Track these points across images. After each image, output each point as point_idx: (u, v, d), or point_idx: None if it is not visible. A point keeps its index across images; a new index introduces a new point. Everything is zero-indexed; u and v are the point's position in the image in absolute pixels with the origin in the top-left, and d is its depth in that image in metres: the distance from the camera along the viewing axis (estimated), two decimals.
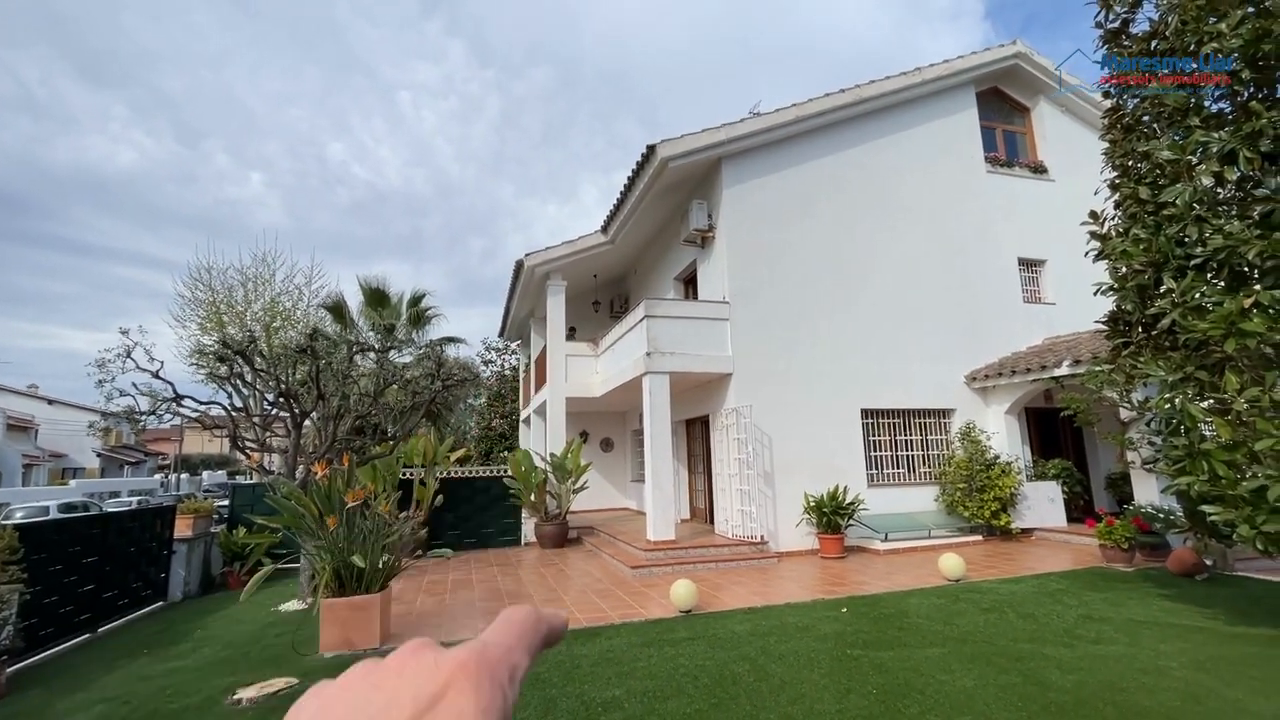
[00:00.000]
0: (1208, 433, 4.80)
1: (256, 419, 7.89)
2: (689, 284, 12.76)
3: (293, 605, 7.44)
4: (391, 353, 10.99)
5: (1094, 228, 5.92)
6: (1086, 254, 6.05)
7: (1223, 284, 4.82)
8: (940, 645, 4.96)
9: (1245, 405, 4.36)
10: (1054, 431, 11.92)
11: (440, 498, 10.57)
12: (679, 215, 12.12)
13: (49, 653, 6.35)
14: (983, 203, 12.03)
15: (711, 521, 10.88)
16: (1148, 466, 5.96)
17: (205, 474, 40.62)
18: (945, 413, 11.09)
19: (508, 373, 21.61)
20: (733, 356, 9.81)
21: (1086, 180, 12.52)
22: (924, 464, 10.82)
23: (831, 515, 9.06)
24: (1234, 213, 4.74)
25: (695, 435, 12.07)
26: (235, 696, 4.35)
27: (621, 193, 11.24)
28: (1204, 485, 4.73)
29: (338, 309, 11.76)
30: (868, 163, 11.34)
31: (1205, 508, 4.65)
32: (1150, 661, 4.43)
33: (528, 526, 11.97)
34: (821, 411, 10.08)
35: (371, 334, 20.70)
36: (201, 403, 7.77)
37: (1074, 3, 13.01)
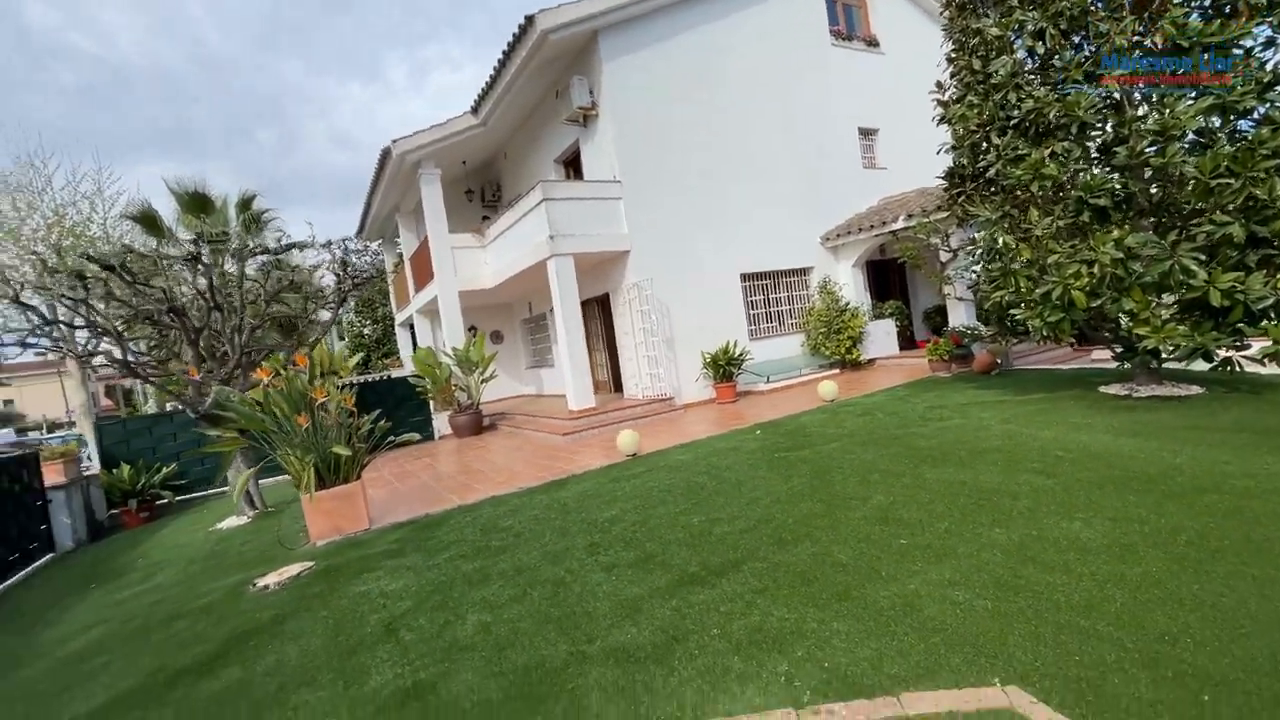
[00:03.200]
0: (1014, 258, 6.43)
1: (149, 344, 7.11)
2: (569, 165, 12.74)
3: (231, 522, 7.29)
4: (231, 263, 10.07)
5: (939, 96, 7.13)
6: (933, 119, 7.30)
7: (1029, 140, 6.26)
8: (837, 441, 6.43)
9: (1041, 232, 5.95)
10: (886, 279, 14.29)
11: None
12: (553, 93, 11.83)
13: None
14: (828, 75, 13.15)
15: (618, 390, 11.89)
16: (970, 289, 7.75)
17: None
18: (805, 271, 12.77)
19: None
20: (629, 234, 10.35)
21: (910, 54, 14.18)
22: (790, 317, 12.57)
23: (726, 366, 10.46)
24: (1039, 81, 6.08)
25: (591, 315, 12.69)
26: (261, 583, 4.57)
27: (495, 69, 10.66)
28: (1011, 296, 6.44)
29: (149, 219, 10.17)
30: (732, 37, 11.77)
31: (1013, 311, 6.38)
32: (978, 424, 6.22)
33: (440, 420, 12.17)
34: (709, 279, 11.16)
35: (195, 246, 18.16)
36: (73, 326, 6.81)
37: None
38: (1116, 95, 5.74)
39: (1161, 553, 3.08)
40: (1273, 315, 5.33)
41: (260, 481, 10.33)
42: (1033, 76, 6.24)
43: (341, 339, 18.96)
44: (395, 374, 15.15)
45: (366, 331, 18.63)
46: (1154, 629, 2.47)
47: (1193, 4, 5.59)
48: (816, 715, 2.30)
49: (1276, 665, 2.16)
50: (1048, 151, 5.81)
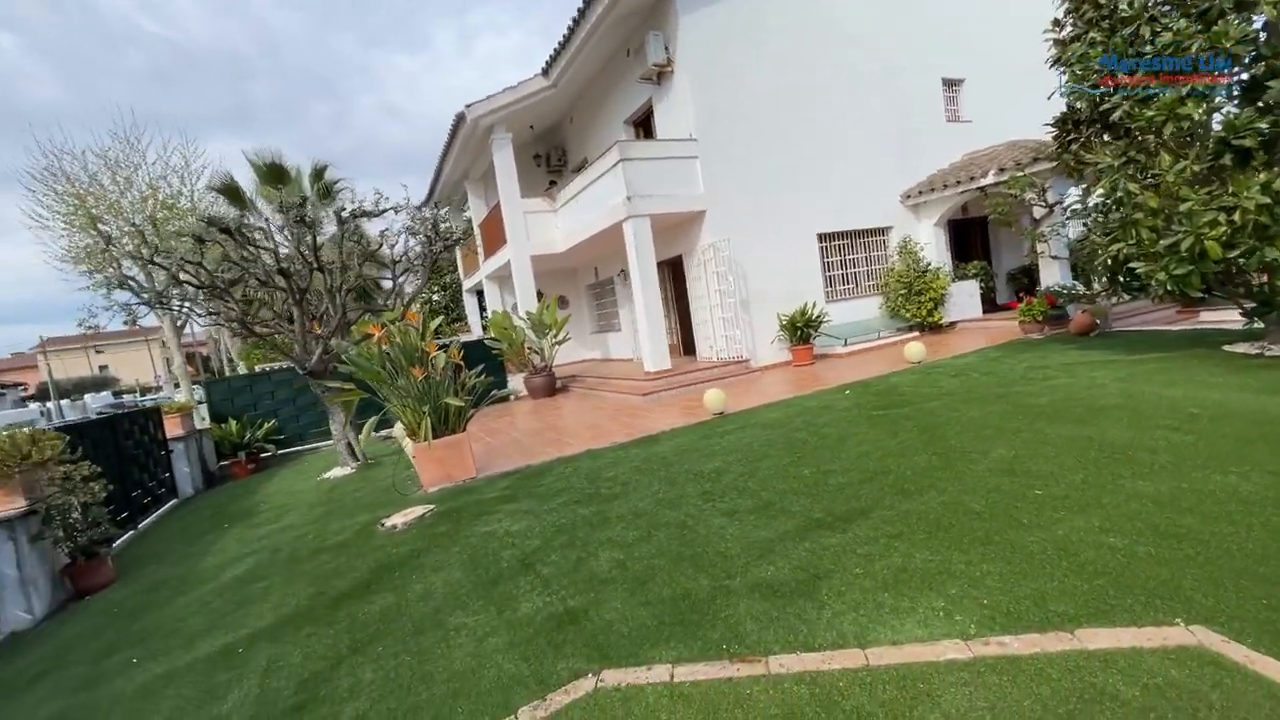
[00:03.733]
0: (1138, 206, 6.03)
1: (264, 305, 7.58)
2: (640, 126, 12.60)
3: (337, 472, 7.78)
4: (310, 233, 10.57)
5: (1054, 34, 6.66)
6: (1046, 62, 6.83)
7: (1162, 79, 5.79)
8: (936, 400, 6.29)
9: (1173, 177, 5.54)
10: (967, 239, 13.66)
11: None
12: (624, 52, 11.67)
13: (117, 543, 6.46)
14: (913, 21, 12.43)
15: (689, 353, 11.91)
16: (1071, 246, 7.32)
17: (88, 397, 36.83)
18: (884, 230, 12.34)
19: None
20: (705, 194, 10.22)
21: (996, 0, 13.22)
22: (868, 278, 12.22)
23: (804, 328, 10.31)
24: (1178, 13, 5.59)
25: (663, 278, 12.63)
26: (389, 523, 4.90)
27: (570, 28, 10.56)
28: (1131, 248, 6.06)
29: (233, 191, 10.67)
30: None
31: (1133, 265, 6.01)
32: (1089, 382, 5.95)
33: (515, 382, 12.52)
34: (786, 240, 10.94)
35: (273, 215, 18.95)
36: (184, 292, 7.32)
37: None
38: (1275, 14, 5.21)
39: None
40: None
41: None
42: (1167, 8, 5.74)
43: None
44: (464, 339, 15.63)
45: (435, 298, 19.22)
46: None
47: None
48: (987, 646, 2.32)
49: None
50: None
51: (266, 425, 10.27)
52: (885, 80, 12.05)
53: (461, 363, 5.95)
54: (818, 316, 10.42)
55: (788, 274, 10.93)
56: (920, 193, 12.04)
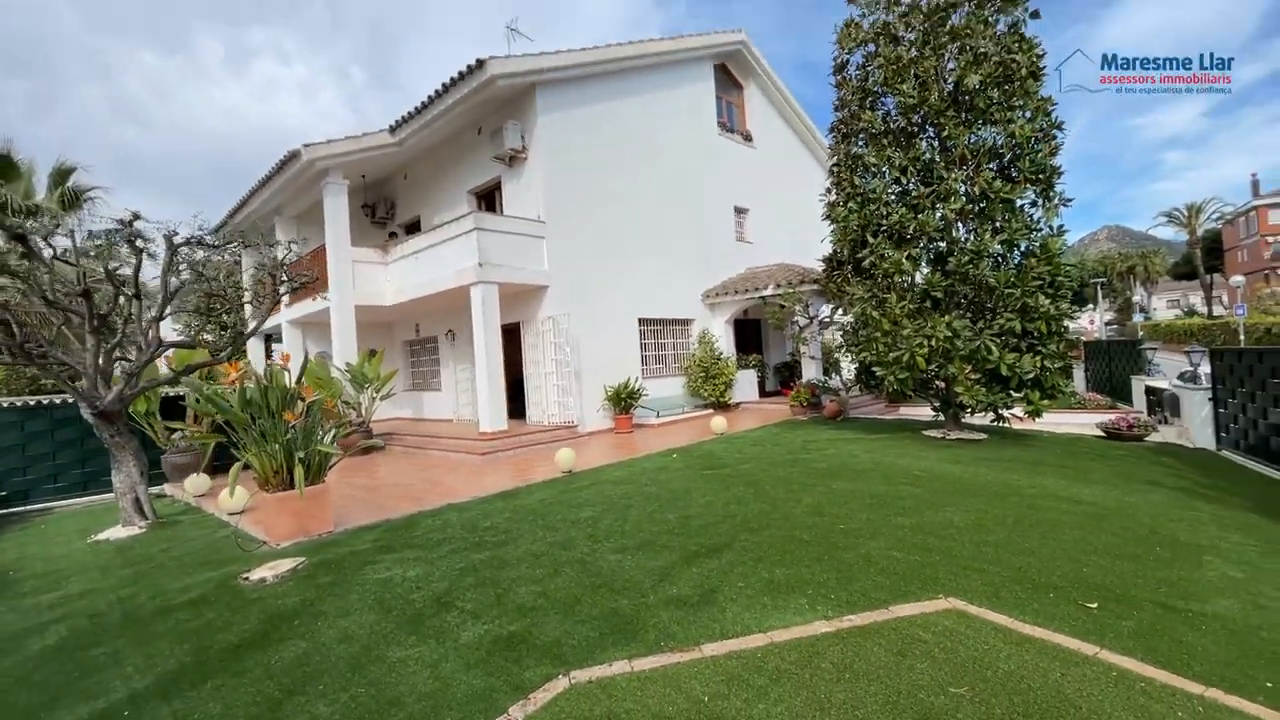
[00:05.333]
0: (877, 327, 8.49)
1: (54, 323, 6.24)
2: (483, 198, 13.22)
3: (119, 532, 6.50)
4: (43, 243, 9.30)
5: (826, 199, 9.21)
6: (822, 218, 9.35)
7: (892, 242, 8.44)
8: (748, 463, 7.81)
9: (897, 311, 8.04)
10: (747, 335, 16.61)
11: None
12: (474, 130, 12.40)
13: None
14: (714, 159, 15.38)
15: (520, 416, 12.31)
16: (838, 349, 9.81)
17: None
18: (688, 322, 14.49)
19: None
20: (549, 271, 11.15)
21: (772, 149, 17.08)
22: (674, 360, 14.12)
23: (626, 400, 11.55)
24: (900, 202, 8.32)
25: None
26: (255, 577, 4.52)
27: (430, 99, 11.00)
28: (873, 356, 8.47)
29: None
30: (647, 111, 13.41)
31: (875, 369, 8.38)
32: (849, 453, 8.00)
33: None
34: (613, 319, 12.29)
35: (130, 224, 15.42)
36: None
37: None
38: (951, 217, 8.10)
39: (1001, 527, 4.75)
40: (1031, 386, 7.84)
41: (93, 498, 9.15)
42: (893, 198, 8.51)
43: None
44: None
45: (208, 338, 16.54)
46: (1011, 563, 4.00)
47: (995, 169, 8.18)
48: (841, 622, 3.40)
49: (1072, 578, 3.75)
50: (905, 254, 7.99)
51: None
52: (694, 199, 14.58)
53: (336, 409, 5.75)
54: (638, 390, 11.79)
55: (613, 350, 12.22)
56: (716, 295, 14.53)
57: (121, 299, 6.72)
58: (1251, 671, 2.76)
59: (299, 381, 5.51)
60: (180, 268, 6.98)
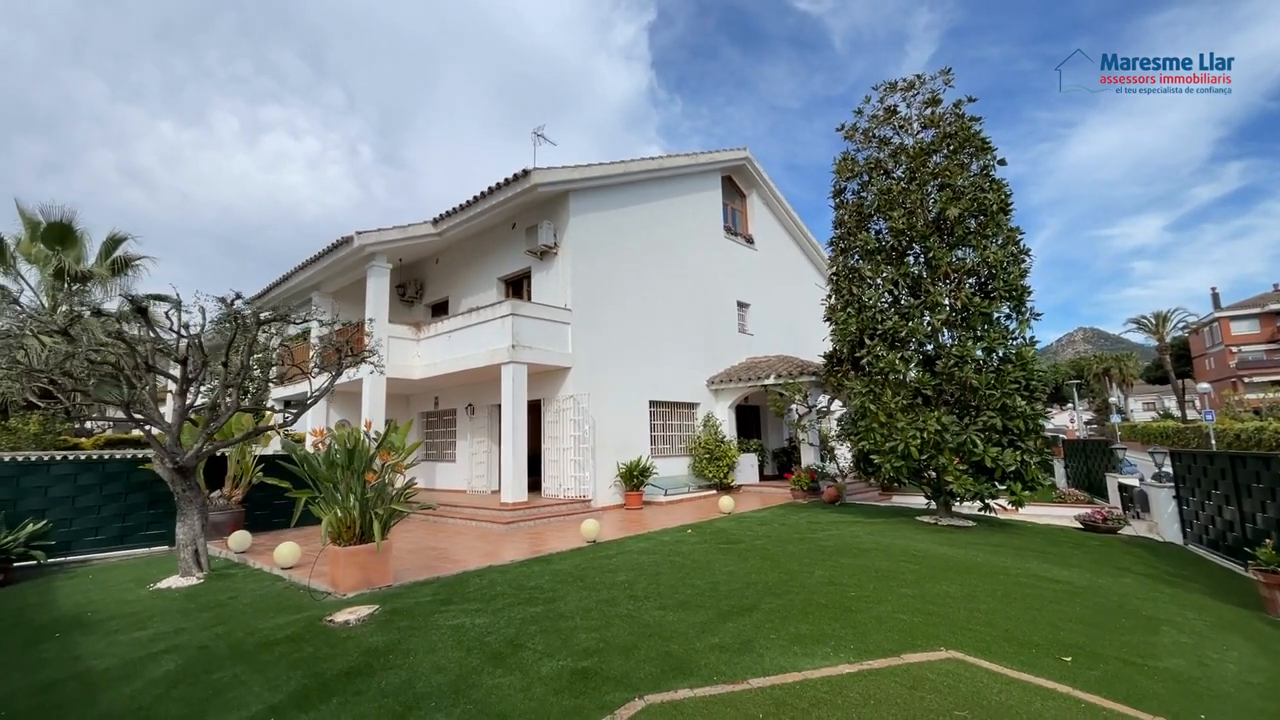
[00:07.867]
0: (874, 419, 9.43)
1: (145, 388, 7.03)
2: (512, 285, 14.44)
3: (178, 581, 6.98)
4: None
5: (828, 303, 10.42)
6: (824, 320, 10.52)
7: (886, 344, 9.55)
8: (760, 540, 8.48)
9: (892, 405, 9.02)
10: (747, 421, 17.51)
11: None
12: (509, 225, 13.80)
13: None
14: (720, 258, 16.91)
15: (535, 490, 12.90)
16: (836, 437, 10.70)
17: None
18: (694, 405, 15.42)
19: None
20: (572, 354, 12.15)
21: (772, 251, 18.72)
22: (680, 442, 14.90)
23: (637, 477, 12.23)
24: (893, 310, 9.52)
25: None
26: (339, 619, 5.10)
27: (474, 197, 12.43)
28: (871, 445, 9.36)
29: None
30: (658, 215, 14.97)
31: (873, 457, 9.25)
32: (851, 534, 8.70)
33: None
34: (627, 401, 13.19)
35: (40, 280, 16.23)
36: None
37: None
38: (937, 325, 9.27)
39: (991, 598, 5.48)
40: (1014, 478, 8.72)
41: (128, 552, 9.54)
42: (887, 305, 9.72)
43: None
44: (262, 451, 14.36)
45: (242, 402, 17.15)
46: (1000, 626, 4.73)
47: (974, 285, 9.45)
48: (861, 665, 4.09)
49: (1051, 639, 4.49)
50: (898, 356, 9.08)
51: (32, 527, 8.40)
52: (701, 294, 15.92)
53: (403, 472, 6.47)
54: (648, 468, 12.50)
55: (625, 429, 13.03)
56: (720, 381, 15.55)
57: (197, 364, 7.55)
58: (1191, 708, 3.50)
59: (380, 447, 6.27)
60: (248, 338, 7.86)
